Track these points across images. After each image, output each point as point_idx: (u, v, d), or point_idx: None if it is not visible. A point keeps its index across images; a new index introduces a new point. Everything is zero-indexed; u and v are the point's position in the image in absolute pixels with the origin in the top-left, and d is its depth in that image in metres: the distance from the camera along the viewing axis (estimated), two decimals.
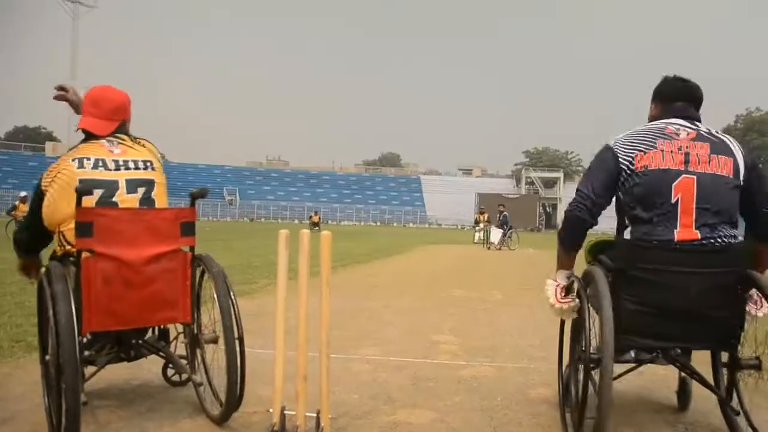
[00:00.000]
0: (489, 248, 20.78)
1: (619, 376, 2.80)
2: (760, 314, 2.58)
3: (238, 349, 2.65)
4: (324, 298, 2.53)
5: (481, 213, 25.50)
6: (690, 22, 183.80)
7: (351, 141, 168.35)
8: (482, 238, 22.84)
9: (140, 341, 2.90)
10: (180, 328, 3.03)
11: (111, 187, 2.75)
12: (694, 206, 2.52)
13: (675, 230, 2.52)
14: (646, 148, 2.60)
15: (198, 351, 2.97)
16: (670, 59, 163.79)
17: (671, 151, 2.58)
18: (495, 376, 3.79)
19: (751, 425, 2.62)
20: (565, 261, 2.84)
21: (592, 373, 2.53)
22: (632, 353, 2.73)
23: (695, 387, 3.03)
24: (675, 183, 2.54)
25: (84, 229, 2.56)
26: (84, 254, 2.57)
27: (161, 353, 2.98)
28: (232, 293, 2.72)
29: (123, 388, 3.33)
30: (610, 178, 2.65)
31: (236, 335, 2.66)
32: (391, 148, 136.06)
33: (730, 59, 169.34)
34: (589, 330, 2.55)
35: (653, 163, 2.57)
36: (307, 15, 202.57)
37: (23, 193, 19.74)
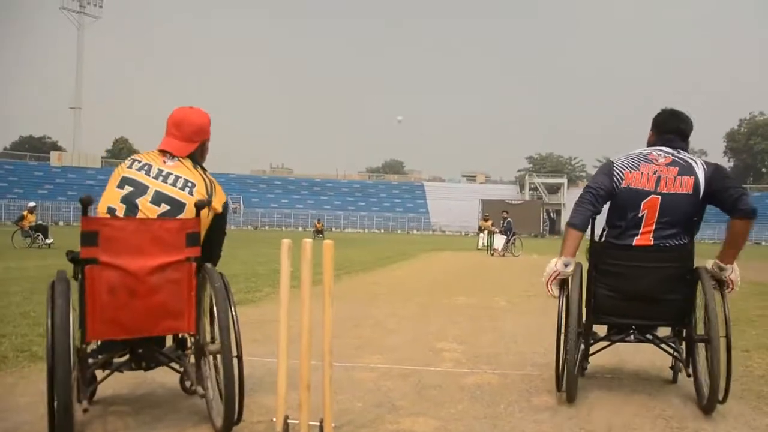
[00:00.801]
0: (492, 254, 20.76)
1: (598, 351, 3.75)
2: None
3: (236, 367, 2.63)
4: (326, 306, 2.55)
5: (485, 219, 25.48)
6: (693, 28, 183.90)
7: (355, 148, 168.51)
8: (486, 244, 22.82)
9: (155, 350, 2.91)
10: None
11: (141, 190, 2.83)
12: (655, 220, 3.31)
13: (635, 238, 3.34)
14: (632, 169, 3.37)
15: (204, 361, 2.97)
16: (674, 65, 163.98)
17: (648, 174, 3.34)
18: (499, 384, 3.79)
19: (696, 382, 3.45)
20: (570, 246, 3.40)
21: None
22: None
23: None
24: (644, 201, 3.32)
25: (89, 238, 2.59)
26: (88, 263, 2.59)
27: (176, 363, 2.99)
28: (232, 309, 2.69)
29: (128, 398, 3.33)
30: (609, 182, 3.39)
31: (235, 353, 2.64)
32: (394, 155, 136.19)
33: (734, 63, 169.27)
34: (586, 311, 3.45)
35: (633, 182, 3.34)
36: (312, 24, 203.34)
37: (32, 204, 19.80)
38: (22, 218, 18.64)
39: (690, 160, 3.37)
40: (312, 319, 2.54)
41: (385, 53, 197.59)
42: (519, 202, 65.24)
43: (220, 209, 2.98)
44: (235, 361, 2.63)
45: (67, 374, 2.35)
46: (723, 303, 3.23)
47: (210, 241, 2.95)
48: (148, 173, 2.88)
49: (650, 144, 3.56)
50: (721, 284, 3.33)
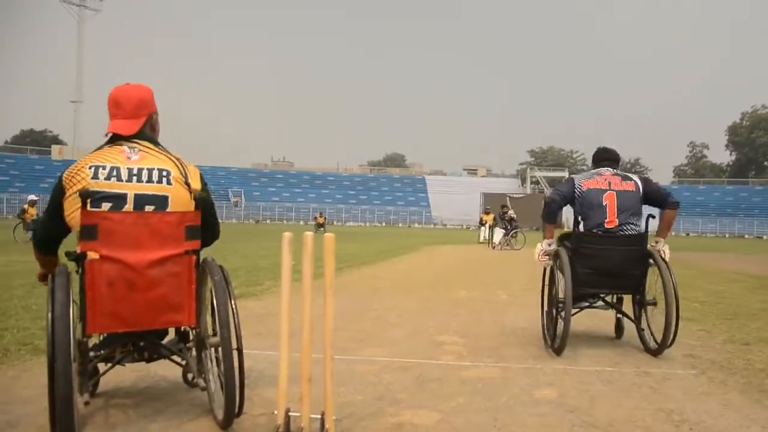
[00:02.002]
0: (493, 248, 20.76)
1: (575, 313, 4.64)
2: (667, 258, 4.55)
3: (236, 360, 2.62)
4: (328, 299, 2.54)
5: (486, 213, 25.47)
6: (696, 21, 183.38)
7: (356, 142, 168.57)
8: (487, 238, 22.81)
9: (155, 343, 2.91)
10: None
11: (119, 202, 2.67)
12: (616, 207, 4.53)
13: (605, 220, 4.52)
14: (588, 179, 4.69)
15: (205, 353, 2.97)
16: (676, 58, 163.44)
17: (601, 181, 4.65)
18: (500, 377, 3.79)
19: (641, 337, 4.67)
20: (548, 233, 4.85)
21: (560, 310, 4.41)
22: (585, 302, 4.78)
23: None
24: (604, 195, 4.57)
25: (88, 231, 2.58)
26: (89, 256, 2.59)
27: (177, 356, 2.99)
28: (232, 302, 2.67)
29: (129, 391, 3.34)
30: (570, 189, 4.70)
31: (235, 346, 2.63)
32: (395, 148, 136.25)
33: (736, 57, 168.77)
34: (558, 284, 4.54)
35: (592, 186, 4.63)
36: (312, 16, 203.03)
37: (32, 197, 19.79)
38: (24, 212, 18.65)
39: (626, 174, 4.79)
40: (313, 312, 2.54)
41: (386, 48, 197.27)
42: (521, 195, 65.15)
43: (199, 186, 2.86)
44: (235, 353, 2.63)
45: (67, 367, 2.35)
46: (670, 272, 4.41)
47: (204, 220, 2.85)
48: (119, 178, 2.69)
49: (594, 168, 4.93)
50: (661, 256, 4.54)
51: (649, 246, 4.63)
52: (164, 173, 2.78)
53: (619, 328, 5.05)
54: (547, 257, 4.76)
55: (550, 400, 3.32)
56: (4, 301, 6.04)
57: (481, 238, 24.43)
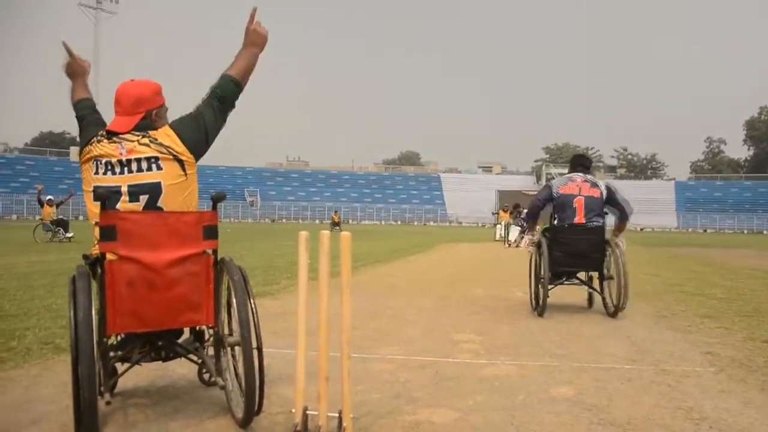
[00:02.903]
0: (509, 246, 20.68)
1: (555, 286, 6.19)
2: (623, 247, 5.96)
3: (256, 359, 2.65)
4: (345, 298, 2.56)
5: (504, 210, 25.38)
6: (712, 15, 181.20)
7: (370, 140, 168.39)
8: (503, 235, 22.73)
9: (173, 342, 2.93)
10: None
11: (115, 195, 2.73)
12: (583, 209, 5.96)
13: (575, 218, 5.97)
14: (563, 185, 6.12)
15: (223, 352, 3.00)
16: (693, 53, 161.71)
17: (573, 186, 6.07)
18: (516, 375, 3.78)
19: (604, 303, 6.13)
20: (533, 228, 6.36)
21: (542, 285, 5.91)
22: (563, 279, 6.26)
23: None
24: (575, 199, 6.00)
25: (107, 232, 2.61)
26: (108, 257, 2.63)
27: (194, 355, 3.01)
28: (251, 302, 2.70)
29: (149, 389, 3.38)
30: (549, 194, 6.15)
31: (255, 345, 2.66)
32: (410, 146, 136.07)
33: (753, 51, 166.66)
34: (540, 265, 5.99)
35: (566, 191, 6.07)
36: (328, 15, 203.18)
37: (49, 197, 20.01)
38: (42, 204, 18.84)
39: (595, 180, 6.18)
40: (330, 310, 2.55)
41: (400, 46, 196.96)
42: (536, 192, 64.82)
43: (172, 135, 2.85)
44: (255, 352, 2.65)
45: (91, 369, 2.37)
46: (621, 255, 5.86)
47: (207, 118, 2.93)
48: (113, 172, 2.76)
49: (570, 172, 6.34)
50: (617, 245, 5.99)
51: (609, 237, 6.11)
52: (152, 160, 2.80)
53: (590, 300, 6.55)
54: (532, 246, 6.33)
55: (567, 398, 3.31)
56: (25, 300, 6.13)
57: (497, 236, 24.35)
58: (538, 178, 76.73)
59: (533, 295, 6.20)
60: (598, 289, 6.23)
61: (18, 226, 35.00)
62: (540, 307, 5.89)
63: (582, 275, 6.40)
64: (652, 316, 6.01)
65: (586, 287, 6.44)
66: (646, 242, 27.62)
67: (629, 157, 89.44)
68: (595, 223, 5.98)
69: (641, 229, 61.24)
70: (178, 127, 2.90)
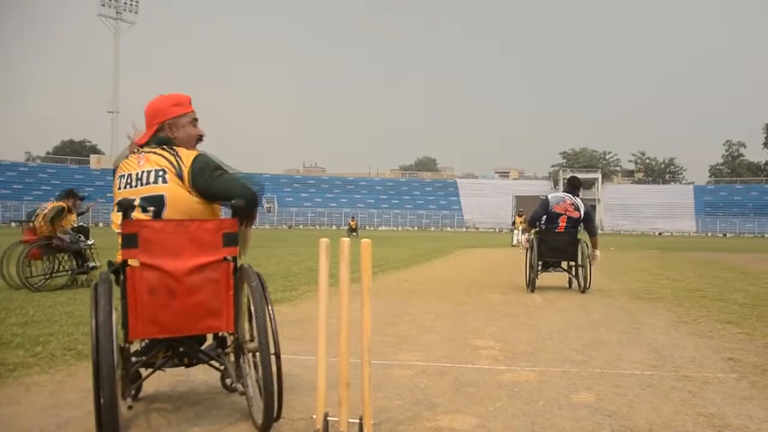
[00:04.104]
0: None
1: (543, 272, 8.80)
2: (597, 254, 8.55)
3: (274, 365, 2.67)
4: (365, 305, 2.57)
5: (519, 215, 25.27)
6: (729, 18, 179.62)
7: (387, 146, 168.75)
8: (520, 240, 22.62)
9: (195, 348, 2.97)
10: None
11: (130, 207, 2.85)
12: (565, 224, 8.51)
13: (558, 228, 8.53)
14: (556, 203, 8.60)
15: (243, 359, 3.03)
16: (711, 56, 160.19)
17: (561, 206, 8.56)
18: (536, 381, 3.77)
19: (578, 284, 8.62)
20: (528, 231, 9.01)
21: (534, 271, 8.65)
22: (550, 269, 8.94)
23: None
24: (561, 217, 8.52)
25: (129, 240, 2.66)
26: (129, 264, 2.67)
27: (216, 361, 3.04)
28: (269, 308, 2.73)
29: (171, 395, 3.41)
30: (544, 210, 8.61)
31: (273, 351, 2.68)
32: (427, 152, 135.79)
33: None
34: (533, 256, 8.63)
35: (557, 209, 8.55)
36: (343, 23, 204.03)
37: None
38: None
39: (579, 202, 8.56)
40: (349, 316, 2.57)
41: (417, 52, 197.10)
42: None
43: (189, 164, 2.88)
44: (273, 358, 2.68)
45: (111, 373, 2.41)
46: (589, 251, 8.48)
47: (216, 189, 2.89)
48: (131, 185, 2.90)
49: (563, 191, 8.83)
50: (593, 256, 8.47)
51: (581, 238, 8.62)
52: (160, 173, 2.88)
53: (570, 282, 9.04)
54: (528, 243, 8.78)
55: (587, 404, 3.30)
56: (48, 307, 6.22)
57: (515, 241, 24.25)
58: (556, 183, 76.31)
59: (528, 279, 8.72)
60: (573, 274, 8.71)
61: None
62: (531, 287, 8.53)
63: (564, 265, 8.82)
64: (672, 322, 5.96)
65: (567, 273, 8.96)
66: (664, 247, 27.36)
67: (647, 161, 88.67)
68: (570, 230, 8.52)
69: (660, 234, 60.71)
70: (197, 167, 2.90)
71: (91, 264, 8.82)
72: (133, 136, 3.13)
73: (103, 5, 74.51)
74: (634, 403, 3.32)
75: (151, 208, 2.86)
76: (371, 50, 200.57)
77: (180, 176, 2.88)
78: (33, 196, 58.83)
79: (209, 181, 2.89)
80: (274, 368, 2.67)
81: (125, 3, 75.24)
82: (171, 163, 2.91)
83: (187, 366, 3.02)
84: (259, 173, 76.00)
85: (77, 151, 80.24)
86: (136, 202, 2.85)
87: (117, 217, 2.79)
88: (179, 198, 2.88)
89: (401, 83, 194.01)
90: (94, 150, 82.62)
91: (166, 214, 2.86)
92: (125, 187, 2.91)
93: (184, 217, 2.85)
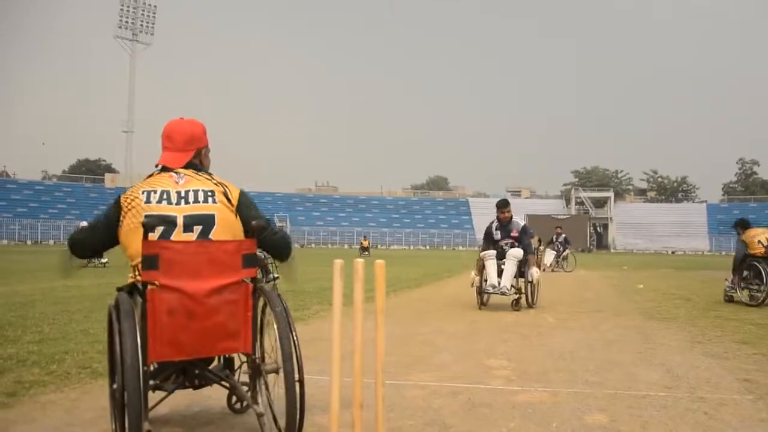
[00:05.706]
0: (543, 270, 20.38)
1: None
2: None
3: (298, 392, 2.68)
4: (379, 325, 2.59)
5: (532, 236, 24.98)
6: (741, 34, 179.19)
7: (399, 165, 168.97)
8: (551, 263, 22.20)
9: (206, 370, 2.98)
10: (243, 357, 3.10)
11: (170, 225, 2.80)
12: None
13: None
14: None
15: (259, 380, 3.04)
16: (724, 73, 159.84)
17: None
18: (550, 402, 3.77)
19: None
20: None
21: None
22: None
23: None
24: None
25: (150, 262, 2.66)
26: (149, 286, 2.69)
27: (226, 382, 3.06)
28: (294, 334, 2.74)
29: (185, 415, 3.43)
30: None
31: (297, 378, 2.69)
32: (438, 171, 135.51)
33: None
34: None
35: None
36: (354, 42, 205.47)
37: (84, 223, 20.42)
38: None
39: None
40: (363, 336, 2.58)
41: (427, 70, 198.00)
42: (565, 216, 64.32)
43: (236, 195, 2.97)
44: (297, 385, 2.69)
45: (137, 397, 2.40)
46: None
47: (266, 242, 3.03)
48: (170, 202, 2.84)
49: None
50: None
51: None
52: (209, 193, 2.91)
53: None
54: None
55: (601, 426, 3.29)
56: (63, 325, 6.27)
57: (547, 263, 23.93)
58: (567, 202, 76.05)
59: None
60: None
61: (55, 251, 35.64)
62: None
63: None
64: (686, 342, 5.92)
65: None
66: (677, 265, 27.14)
67: (659, 179, 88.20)
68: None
69: (672, 252, 60.20)
70: (244, 201, 3.01)
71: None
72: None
73: (120, 27, 75.59)
74: (648, 425, 3.30)
75: (198, 227, 2.83)
76: (385, 69, 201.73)
77: (228, 200, 2.93)
78: (49, 215, 59.50)
79: (256, 215, 2.99)
80: (297, 394, 2.68)
81: (141, 25, 76.25)
82: (217, 185, 2.96)
83: (196, 388, 3.02)
84: (272, 192, 76.45)
85: (92, 170, 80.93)
86: (179, 220, 2.82)
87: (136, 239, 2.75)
88: (228, 219, 2.90)
89: (413, 102, 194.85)
90: (109, 169, 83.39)
91: (215, 233, 2.86)
92: (161, 202, 2.84)
93: (233, 238, 2.89)
